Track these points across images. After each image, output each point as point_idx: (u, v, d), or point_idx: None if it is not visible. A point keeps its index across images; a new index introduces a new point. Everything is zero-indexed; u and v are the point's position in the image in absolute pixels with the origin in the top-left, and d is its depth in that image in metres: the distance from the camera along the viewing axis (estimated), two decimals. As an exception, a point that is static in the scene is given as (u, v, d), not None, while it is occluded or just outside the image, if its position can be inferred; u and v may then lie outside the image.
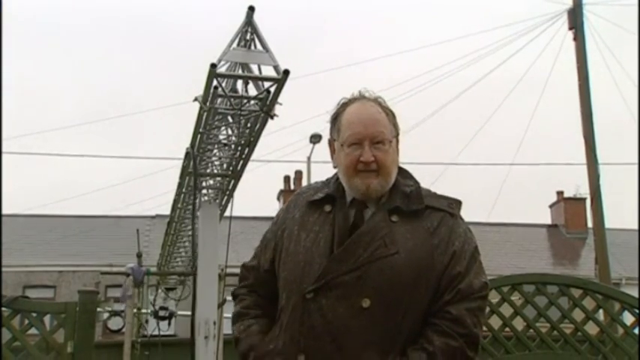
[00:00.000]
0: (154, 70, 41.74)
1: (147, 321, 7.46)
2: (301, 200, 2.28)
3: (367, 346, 1.98)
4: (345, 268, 2.02)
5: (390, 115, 2.21)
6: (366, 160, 2.11)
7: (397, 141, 2.23)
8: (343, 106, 2.23)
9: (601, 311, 4.82)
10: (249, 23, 4.10)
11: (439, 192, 2.26)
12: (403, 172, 2.25)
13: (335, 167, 2.26)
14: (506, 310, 4.59)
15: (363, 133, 2.13)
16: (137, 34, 44.37)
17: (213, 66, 3.98)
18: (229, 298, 7.18)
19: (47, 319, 4.58)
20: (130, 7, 42.59)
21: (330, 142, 2.27)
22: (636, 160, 15.26)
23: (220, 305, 5.87)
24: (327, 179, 2.30)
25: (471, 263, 2.09)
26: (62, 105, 37.47)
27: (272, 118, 4.41)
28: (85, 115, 35.56)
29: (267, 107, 4.32)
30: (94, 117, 39.42)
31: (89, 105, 36.31)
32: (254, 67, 4.25)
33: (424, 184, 2.27)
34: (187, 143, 5.05)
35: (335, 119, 2.24)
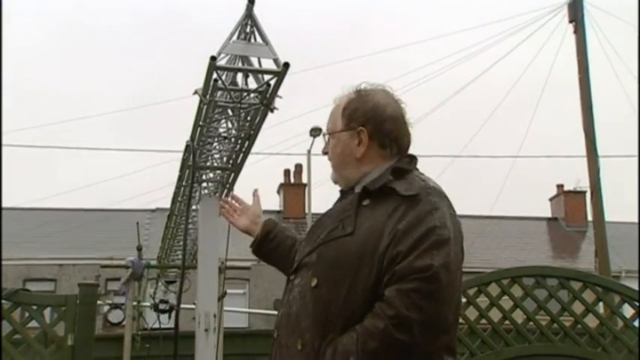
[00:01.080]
0: (154, 63, 41.69)
1: (141, 313, 7.47)
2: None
3: (309, 323, 2.02)
4: (308, 249, 2.13)
5: (353, 104, 2.21)
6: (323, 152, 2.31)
7: (365, 132, 2.17)
8: None
9: (601, 304, 4.83)
10: (249, 16, 4.09)
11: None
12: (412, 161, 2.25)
13: None
14: (506, 302, 4.61)
15: None
16: (134, 29, 44.33)
17: (213, 59, 3.98)
18: (230, 291, 7.17)
19: (47, 312, 4.59)
20: (131, 4, 42.54)
21: None
22: (636, 153, 15.25)
23: (220, 298, 5.87)
24: None
25: (419, 243, 1.95)
26: (62, 99, 37.45)
27: (272, 111, 4.40)
28: (85, 109, 35.55)
29: (267, 100, 4.31)
30: (93, 111, 39.41)
31: (89, 99, 36.30)
32: (254, 60, 4.24)
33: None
34: (187, 136, 5.05)
35: None
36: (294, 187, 26.49)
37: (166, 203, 7.31)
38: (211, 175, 5.54)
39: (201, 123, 4.70)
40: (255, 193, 2.75)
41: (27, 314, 4.41)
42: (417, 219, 1.99)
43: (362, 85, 2.26)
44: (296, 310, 2.07)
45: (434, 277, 1.92)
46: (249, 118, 4.69)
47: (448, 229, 2.01)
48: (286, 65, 4.03)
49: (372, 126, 2.18)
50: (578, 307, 4.65)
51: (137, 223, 7.97)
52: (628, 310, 4.71)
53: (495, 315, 4.57)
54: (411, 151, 2.27)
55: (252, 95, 4.40)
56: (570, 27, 13.89)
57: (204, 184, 5.54)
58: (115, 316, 7.89)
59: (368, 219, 2.05)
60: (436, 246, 1.96)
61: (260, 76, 4.27)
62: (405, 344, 1.89)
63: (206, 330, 5.02)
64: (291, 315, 2.08)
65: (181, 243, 7.52)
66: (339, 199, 2.27)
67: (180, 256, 7.97)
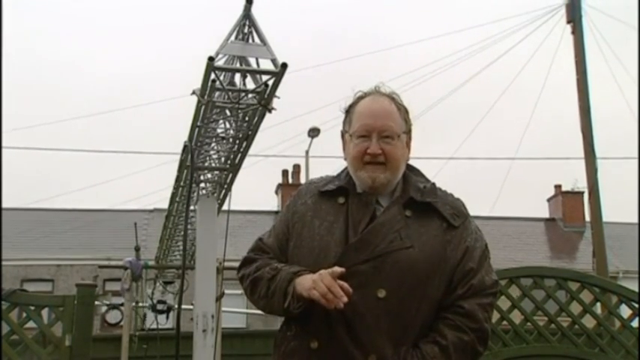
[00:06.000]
0: (152, 63, 41.67)
1: (144, 315, 7.45)
2: (313, 188, 2.27)
3: (381, 336, 2.00)
4: (361, 257, 2.05)
5: (403, 110, 2.22)
6: (372, 152, 2.12)
7: (409, 137, 2.24)
8: (358, 98, 2.24)
9: (598, 304, 4.83)
10: (247, 16, 4.09)
11: (442, 186, 2.28)
12: (414, 170, 2.27)
13: (345, 159, 2.25)
14: (504, 303, 4.60)
15: (372, 125, 2.14)
16: (129, 28, 44.32)
17: (211, 59, 3.97)
18: (227, 291, 7.17)
19: (45, 312, 4.58)
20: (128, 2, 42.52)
21: (342, 134, 2.27)
22: (636, 154, 15.28)
23: (218, 299, 5.87)
24: (338, 173, 2.30)
25: (482, 260, 2.16)
26: (60, 98, 37.40)
27: (270, 111, 4.40)
28: (83, 109, 35.51)
29: (265, 101, 4.31)
30: (92, 110, 39.37)
31: (87, 98, 36.25)
32: (252, 61, 4.24)
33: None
34: (185, 137, 5.04)
35: (348, 111, 2.25)
36: (292, 187, 26.43)
37: (165, 204, 7.31)
38: (209, 175, 5.53)
39: (199, 123, 4.70)
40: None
41: (24, 315, 4.40)
42: (474, 237, 2.18)
43: (383, 88, 2.25)
44: (360, 322, 2.00)
45: (497, 292, 2.19)
46: (247, 119, 4.69)
47: None
48: (284, 66, 4.03)
49: (410, 131, 2.26)
50: (575, 308, 4.65)
51: (135, 224, 7.98)
52: (625, 311, 4.71)
53: (493, 315, 4.56)
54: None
55: (250, 96, 4.40)
56: (568, 27, 13.89)
57: (202, 185, 5.54)
58: (113, 317, 7.90)
59: (421, 232, 2.10)
60: (489, 262, 2.20)
61: (258, 76, 4.26)
62: (481, 355, 2.08)
63: (204, 330, 5.02)
64: (351, 327, 2.00)
65: (179, 244, 7.52)
66: (365, 202, 2.15)
67: (178, 257, 7.97)
